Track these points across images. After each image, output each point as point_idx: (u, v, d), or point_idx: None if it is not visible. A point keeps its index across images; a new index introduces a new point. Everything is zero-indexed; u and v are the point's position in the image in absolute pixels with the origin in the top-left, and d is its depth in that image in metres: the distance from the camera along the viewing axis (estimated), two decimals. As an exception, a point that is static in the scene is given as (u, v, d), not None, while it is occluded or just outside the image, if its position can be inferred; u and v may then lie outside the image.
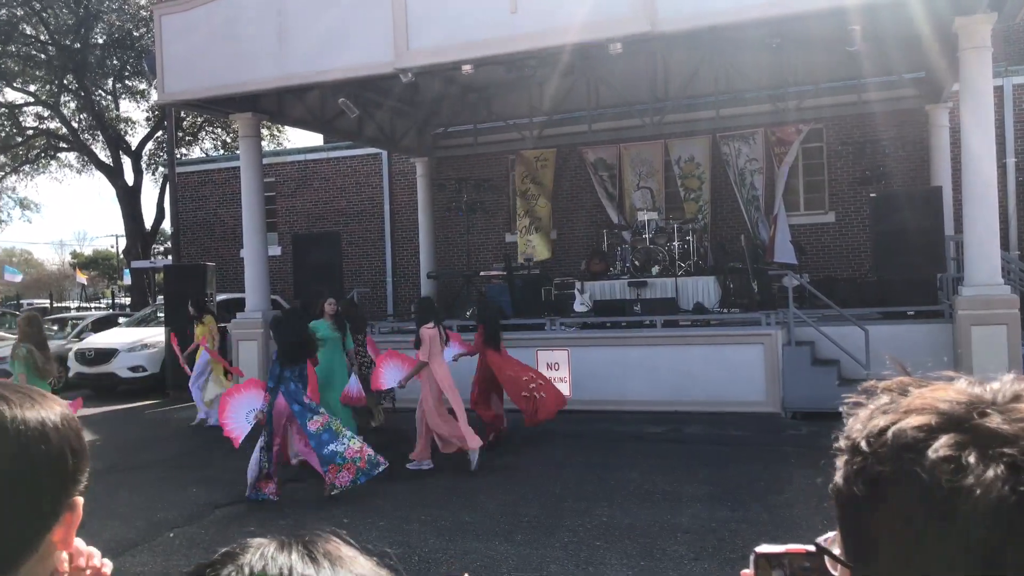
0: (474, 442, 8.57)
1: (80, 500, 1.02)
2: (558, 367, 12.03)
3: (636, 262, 15.03)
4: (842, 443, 0.77)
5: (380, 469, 7.63)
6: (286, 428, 7.99)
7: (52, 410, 1.01)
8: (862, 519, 0.73)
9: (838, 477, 0.76)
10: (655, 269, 14.84)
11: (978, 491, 0.65)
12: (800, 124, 16.82)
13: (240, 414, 7.90)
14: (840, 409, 0.79)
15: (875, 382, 0.79)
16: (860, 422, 0.76)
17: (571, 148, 18.90)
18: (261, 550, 0.77)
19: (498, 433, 9.84)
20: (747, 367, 11.30)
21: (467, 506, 7.26)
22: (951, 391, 0.73)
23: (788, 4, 10.15)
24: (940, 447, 0.68)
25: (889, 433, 0.72)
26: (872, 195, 13.85)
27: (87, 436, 1.08)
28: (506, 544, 6.21)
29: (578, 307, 14.17)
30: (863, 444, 0.73)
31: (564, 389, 11.73)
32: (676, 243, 14.93)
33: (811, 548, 0.84)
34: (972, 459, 0.66)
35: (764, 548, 0.90)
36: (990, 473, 0.65)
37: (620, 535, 6.30)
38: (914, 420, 0.71)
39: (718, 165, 17.81)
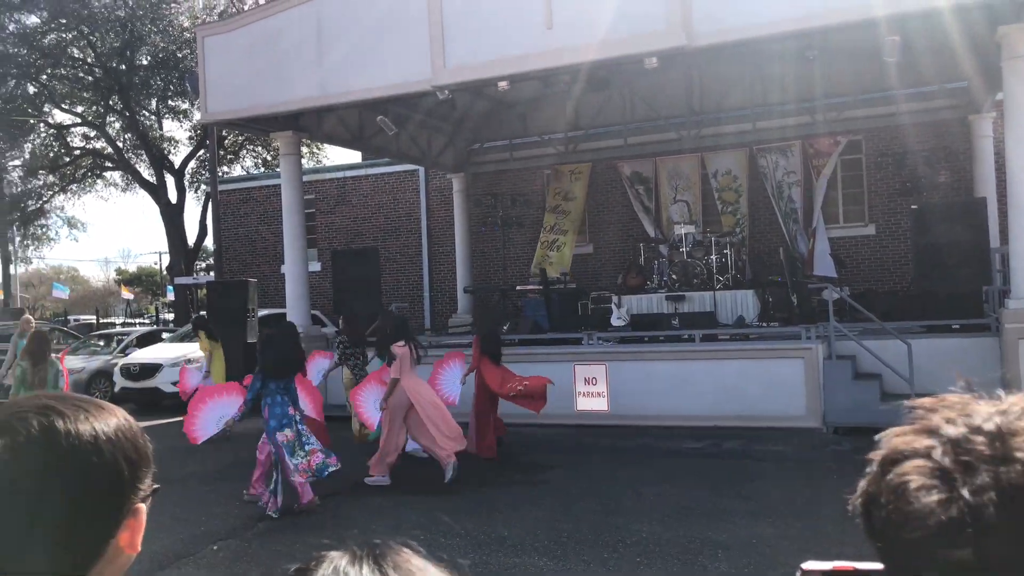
0: (449, 455, 8.73)
1: (143, 507, 1.05)
2: (596, 382, 12.01)
3: (673, 276, 14.98)
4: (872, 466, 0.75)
5: (329, 471, 7.80)
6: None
7: (106, 421, 1.04)
8: (870, 540, 0.72)
9: (853, 498, 0.75)
10: (693, 283, 14.77)
11: (911, 519, 0.63)
12: (838, 136, 16.68)
13: (212, 416, 8.12)
14: (886, 424, 0.77)
15: (916, 399, 0.76)
16: (884, 443, 0.74)
17: (606, 162, 18.91)
18: (334, 564, 0.78)
19: (501, 437, 10.43)
20: (787, 381, 11.18)
21: (505, 521, 7.27)
22: (973, 408, 0.70)
23: (824, 16, 10.11)
24: (902, 471, 0.66)
25: (887, 454, 0.71)
26: (913, 207, 13.67)
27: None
28: (545, 559, 6.21)
29: (615, 321, 14.14)
30: (875, 465, 0.73)
31: (602, 404, 11.72)
32: (714, 257, 14.85)
33: (858, 566, 0.83)
34: (915, 485, 0.65)
35: (810, 565, 0.88)
36: (927, 500, 0.63)
37: (660, 551, 6.27)
38: (912, 439, 0.70)
39: (755, 178, 17.70)
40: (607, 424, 11.59)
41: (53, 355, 9.02)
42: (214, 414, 8.16)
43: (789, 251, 16.13)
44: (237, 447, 12.03)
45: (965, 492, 0.62)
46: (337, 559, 0.79)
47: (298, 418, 7.99)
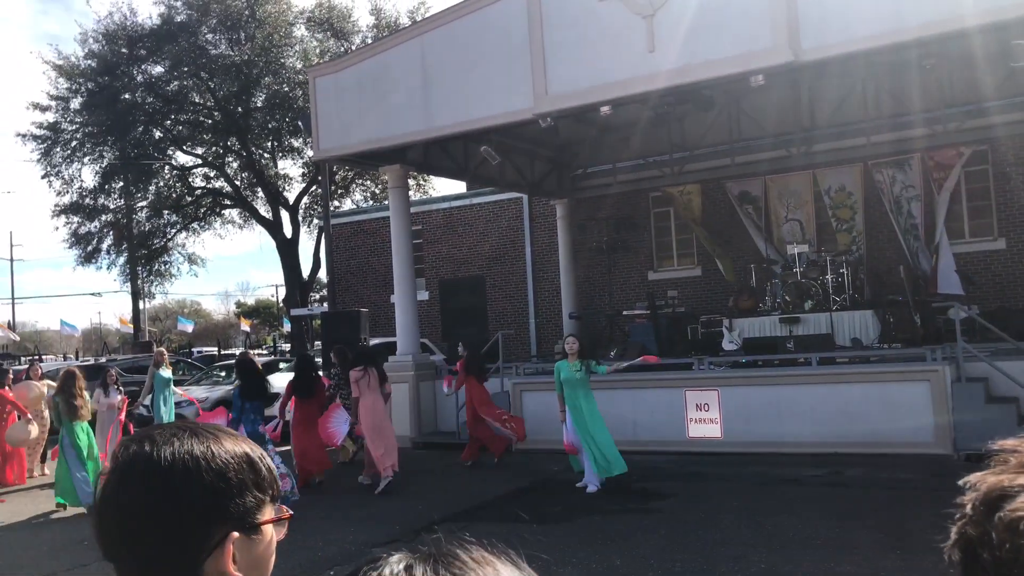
0: (385, 471, 10.23)
1: (235, 535, 1.05)
2: (708, 408, 11.72)
3: (787, 297, 14.53)
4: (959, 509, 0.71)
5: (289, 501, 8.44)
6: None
7: (193, 448, 1.06)
8: None
9: (948, 543, 0.70)
10: (808, 304, 14.28)
11: None
12: (961, 147, 15.89)
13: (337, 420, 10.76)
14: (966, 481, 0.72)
15: (1003, 441, 0.72)
16: (979, 480, 0.70)
17: (714, 183, 18.58)
18: (391, 566, 0.77)
19: (505, 448, 11.81)
20: (912, 405, 10.63)
21: (619, 550, 7.14)
22: None
23: (937, 25, 9.69)
24: (1016, 507, 0.62)
25: (984, 493, 0.66)
26: (1047, 218, 12.87)
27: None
28: (660, 590, 6.05)
29: (727, 345, 13.81)
30: (968, 507, 0.68)
31: (715, 431, 11.43)
32: (829, 276, 14.33)
33: None
34: None
35: None
36: None
37: (781, 584, 6.02)
38: (1014, 479, 0.65)
39: (871, 194, 17.05)
40: (721, 451, 11.28)
41: (86, 392, 10.20)
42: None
43: (910, 269, 15.42)
44: (351, 476, 12.28)
45: None
46: (395, 563, 0.77)
47: (267, 437, 9.73)
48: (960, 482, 0.71)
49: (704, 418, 11.59)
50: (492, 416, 11.54)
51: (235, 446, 1.10)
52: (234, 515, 1.06)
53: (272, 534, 1.11)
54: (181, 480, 1.04)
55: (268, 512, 1.10)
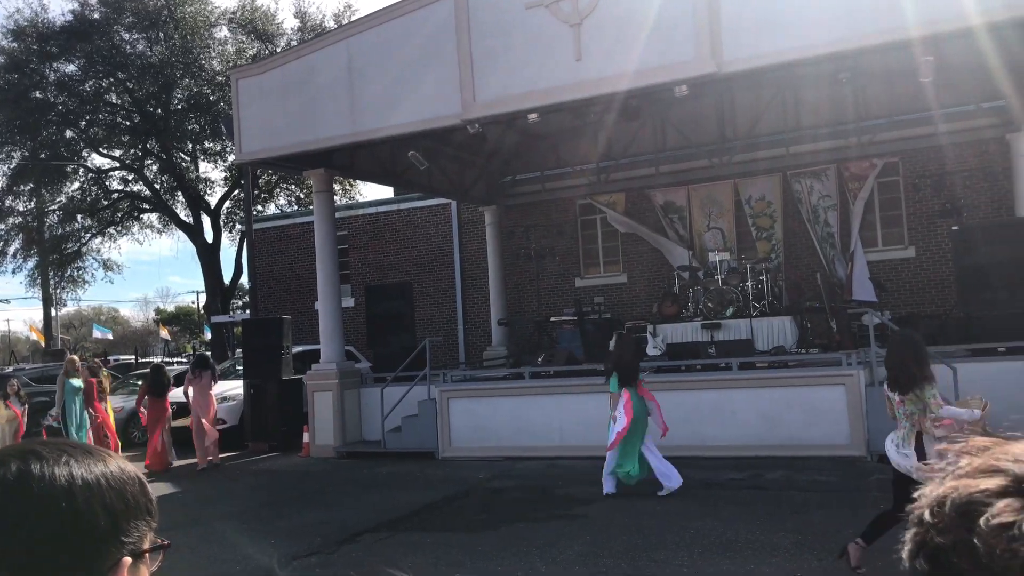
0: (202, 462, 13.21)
1: (128, 560, 0.99)
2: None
3: (709, 304, 14.79)
4: (912, 514, 0.70)
5: None
6: None
7: (90, 467, 1.00)
8: None
9: (904, 552, 0.69)
10: (729, 310, 14.57)
11: None
12: (874, 158, 16.46)
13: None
14: (915, 475, 0.72)
15: (949, 444, 0.71)
16: (931, 488, 0.69)
17: (639, 191, 18.84)
18: None
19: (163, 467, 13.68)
20: (829, 409, 10.93)
21: (544, 557, 7.13)
22: None
23: (855, 39, 10.01)
24: (996, 513, 0.61)
25: (949, 501, 0.65)
26: (954, 228, 13.42)
27: (156, 492, 1.07)
28: (585, 596, 6.06)
29: (651, 351, 13.98)
30: (926, 515, 0.67)
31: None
32: (750, 283, 14.65)
33: None
34: None
35: None
36: None
37: (703, 587, 6.09)
38: (976, 484, 0.64)
39: (790, 203, 17.52)
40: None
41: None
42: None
43: (827, 276, 15.88)
44: (273, 486, 12.02)
45: None
46: None
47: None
48: (915, 493, 0.71)
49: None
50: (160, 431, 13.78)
51: (128, 467, 1.05)
52: (128, 540, 1.00)
53: (149, 564, 1.04)
54: (83, 500, 0.97)
55: (149, 539, 1.04)
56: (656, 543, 7.33)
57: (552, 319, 17.53)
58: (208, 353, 19.13)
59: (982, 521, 0.61)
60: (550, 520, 8.54)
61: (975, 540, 0.61)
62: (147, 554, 1.03)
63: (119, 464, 1.04)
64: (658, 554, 6.97)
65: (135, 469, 1.06)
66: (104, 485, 0.99)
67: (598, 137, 17.58)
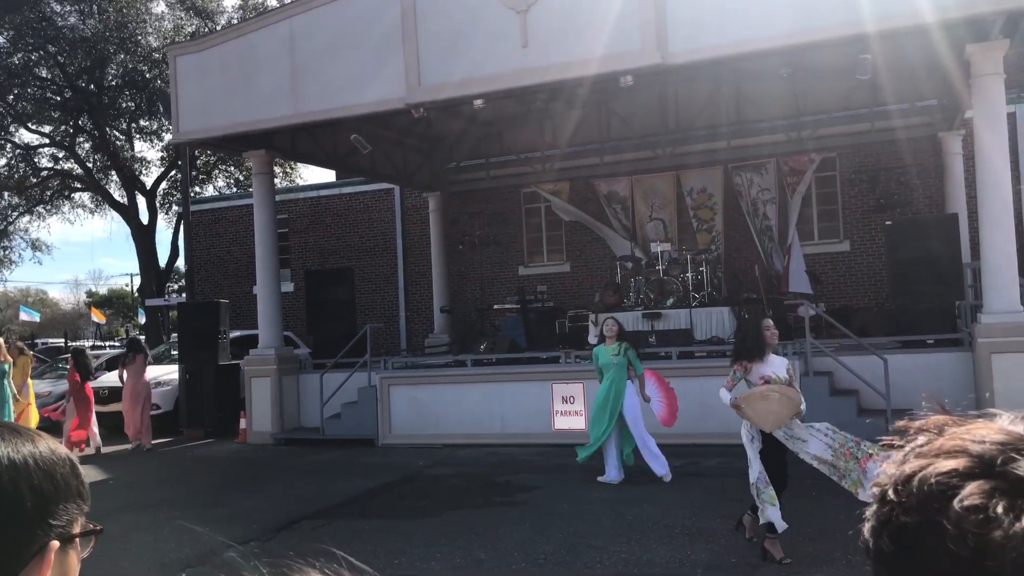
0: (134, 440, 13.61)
1: (55, 544, 0.95)
2: (573, 400, 11.91)
3: (650, 294, 14.94)
4: (872, 491, 0.70)
5: None
6: None
7: (17, 447, 0.96)
8: (892, 574, 0.66)
9: (865, 529, 0.69)
10: (669, 300, 14.74)
11: (1008, 545, 0.58)
12: (813, 153, 16.79)
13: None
14: (870, 452, 0.72)
15: (908, 422, 0.72)
16: (891, 466, 0.69)
17: (584, 181, 18.92)
18: None
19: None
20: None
21: (484, 544, 7.14)
22: (988, 430, 0.66)
23: (796, 35, 10.20)
24: (967, 495, 0.61)
25: (916, 480, 0.65)
26: (887, 223, 13.77)
27: (89, 475, 1.02)
28: (524, 583, 6.09)
29: (593, 339, 14.05)
30: (890, 492, 0.67)
31: (580, 423, 11.61)
32: (690, 274, 14.84)
33: None
34: (1000, 509, 0.59)
35: None
36: (1021, 524, 0.58)
37: (639, 572, 6.17)
38: (943, 464, 0.64)
39: (730, 196, 17.78)
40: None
41: None
42: None
43: (765, 268, 16.17)
44: (209, 473, 11.82)
45: None
46: None
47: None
48: (876, 472, 0.70)
49: (569, 410, 11.78)
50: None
51: (58, 448, 1.00)
52: (56, 523, 0.95)
53: (79, 550, 1.00)
54: (8, 480, 0.92)
55: (80, 524, 0.99)
56: (595, 529, 7.40)
57: (495, 307, 17.52)
58: (142, 337, 18.67)
59: (955, 503, 0.61)
60: (490, 507, 8.56)
61: (944, 521, 0.61)
62: (77, 539, 0.98)
63: (49, 445, 0.99)
64: (596, 540, 7.04)
65: (66, 451, 1.01)
66: (32, 466, 0.95)
67: (543, 125, 17.59)
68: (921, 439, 0.69)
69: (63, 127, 26.93)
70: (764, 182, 17.32)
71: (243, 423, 14.20)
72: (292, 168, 28.23)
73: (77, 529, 0.98)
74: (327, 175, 22.33)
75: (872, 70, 11.31)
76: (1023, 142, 16.44)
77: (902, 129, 15.83)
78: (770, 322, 7.01)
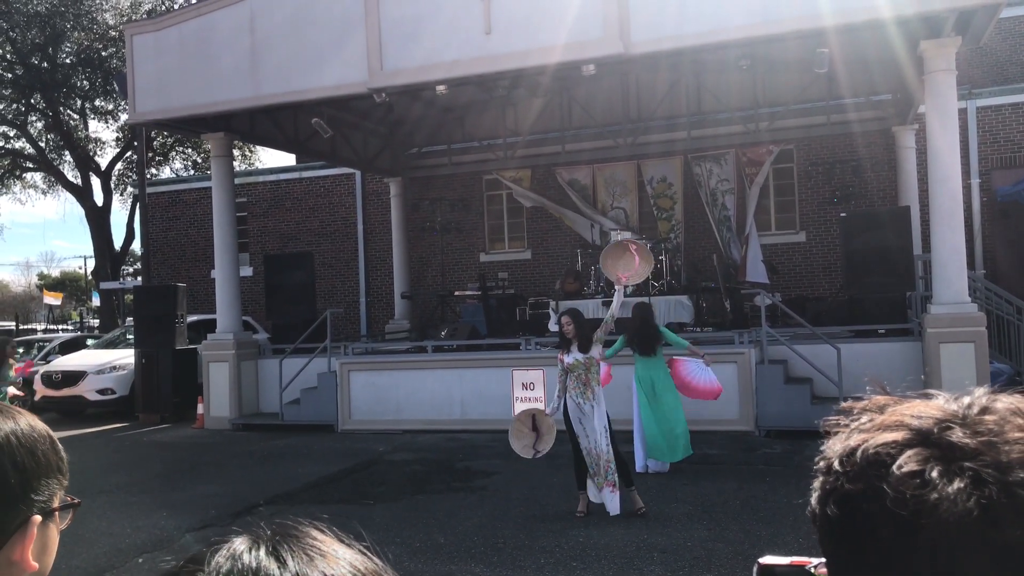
0: None
1: (37, 519, 0.98)
2: (533, 387, 11.94)
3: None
4: (819, 464, 0.76)
5: None
6: None
7: (2, 421, 0.98)
8: (837, 540, 0.72)
9: (813, 499, 0.75)
10: (629, 288, 14.85)
11: (942, 505, 0.64)
12: (771, 145, 17.01)
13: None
14: (818, 428, 0.79)
15: (853, 402, 0.78)
16: (837, 442, 0.75)
17: (546, 168, 18.97)
18: (229, 549, 0.74)
19: None
20: (721, 386, 11.32)
21: (442, 528, 7.19)
22: (926, 407, 0.73)
23: (757, 28, 10.32)
24: (904, 462, 0.67)
25: (858, 451, 0.71)
26: (842, 215, 14.03)
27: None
28: (482, 566, 6.15)
29: (553, 327, 14.14)
30: (836, 464, 0.73)
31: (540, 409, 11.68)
32: (650, 262, 14.95)
33: (813, 561, 0.84)
34: (935, 473, 0.66)
35: (767, 559, 0.90)
36: (953, 487, 0.65)
37: (596, 555, 6.27)
38: (883, 436, 0.71)
39: (690, 185, 17.96)
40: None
41: None
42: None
43: (723, 257, 16.37)
44: (166, 458, 11.72)
45: (988, 473, 0.65)
46: (236, 544, 0.74)
47: None
48: (823, 446, 0.77)
49: (529, 396, 11.77)
50: None
51: (38, 424, 1.03)
52: (38, 498, 0.99)
53: (59, 523, 1.03)
54: None
55: (59, 498, 1.02)
56: (553, 514, 7.49)
57: (456, 293, 17.53)
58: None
59: (895, 469, 0.67)
60: (450, 492, 8.61)
61: (885, 487, 0.67)
62: (57, 512, 1.01)
63: (29, 421, 1.02)
64: (555, 524, 7.13)
65: (46, 427, 1.04)
66: (14, 443, 0.98)
67: (505, 112, 17.59)
68: (864, 418, 0.75)
69: (14, 105, 26.26)
70: (723, 172, 17.52)
71: (200, 408, 14.07)
72: (251, 151, 27.87)
73: (57, 503, 1.01)
74: (287, 159, 22.09)
75: (829, 64, 11.48)
76: (973, 138, 16.84)
77: (857, 122, 16.11)
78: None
